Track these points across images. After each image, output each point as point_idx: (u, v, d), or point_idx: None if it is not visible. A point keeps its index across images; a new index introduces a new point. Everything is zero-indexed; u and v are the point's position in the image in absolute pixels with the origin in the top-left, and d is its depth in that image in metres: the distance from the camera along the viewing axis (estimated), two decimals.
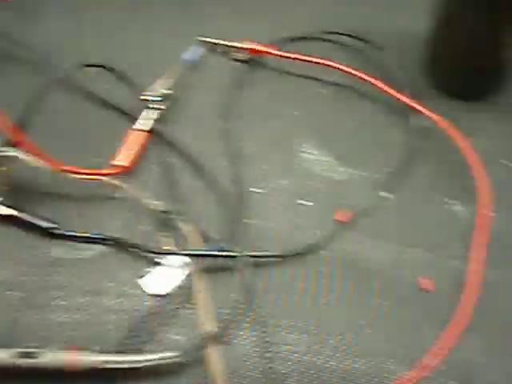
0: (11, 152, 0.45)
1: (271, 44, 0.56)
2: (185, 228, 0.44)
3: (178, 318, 0.41)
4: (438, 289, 0.42)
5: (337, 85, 0.54)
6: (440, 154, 0.50)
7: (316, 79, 0.54)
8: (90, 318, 0.41)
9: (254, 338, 0.39)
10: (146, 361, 0.38)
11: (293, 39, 0.57)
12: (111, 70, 0.54)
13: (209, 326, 0.40)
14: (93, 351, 0.37)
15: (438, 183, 0.48)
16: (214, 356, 0.38)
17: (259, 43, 0.55)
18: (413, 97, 0.51)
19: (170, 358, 0.38)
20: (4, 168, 0.45)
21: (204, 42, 0.56)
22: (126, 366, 0.37)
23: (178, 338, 0.40)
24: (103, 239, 0.44)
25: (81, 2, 0.61)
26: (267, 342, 0.39)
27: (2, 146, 0.46)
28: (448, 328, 0.39)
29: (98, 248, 0.44)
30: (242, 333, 0.40)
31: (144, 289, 0.42)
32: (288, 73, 0.55)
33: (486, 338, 0.40)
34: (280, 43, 0.56)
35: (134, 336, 0.39)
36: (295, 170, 0.49)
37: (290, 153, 0.50)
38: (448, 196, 0.47)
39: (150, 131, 0.49)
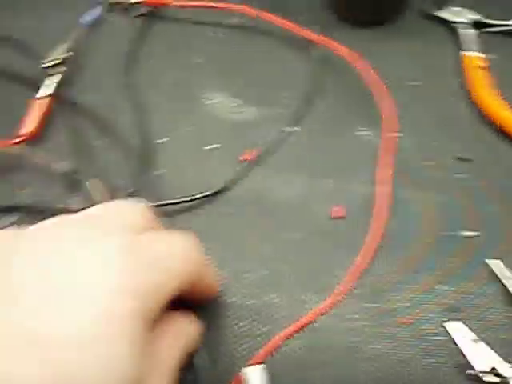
0: None
1: None
2: (93, 186, 0.45)
3: None
4: (349, 216, 0.43)
5: (238, 27, 0.54)
6: (345, 84, 0.50)
7: (215, 24, 0.54)
8: None
9: None
10: None
11: None
12: (7, 39, 0.54)
13: None
14: None
15: (345, 113, 0.49)
16: None
17: None
18: (315, 29, 0.51)
19: None
20: None
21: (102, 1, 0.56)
22: None
23: None
24: (16, 208, 0.45)
25: None
26: None
27: None
28: (360, 252, 0.41)
29: (14, 217, 0.45)
30: None
31: None
32: (187, 21, 0.55)
33: (396, 257, 0.41)
34: None
35: None
36: (199, 116, 0.49)
37: (193, 100, 0.50)
38: (356, 124, 0.48)
39: (53, 96, 0.49)
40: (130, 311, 0.26)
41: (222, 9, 0.52)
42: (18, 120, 0.48)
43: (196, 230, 0.40)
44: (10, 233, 0.30)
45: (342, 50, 0.48)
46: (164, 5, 0.54)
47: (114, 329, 0.25)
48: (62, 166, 0.45)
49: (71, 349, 0.24)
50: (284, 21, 0.51)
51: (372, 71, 0.47)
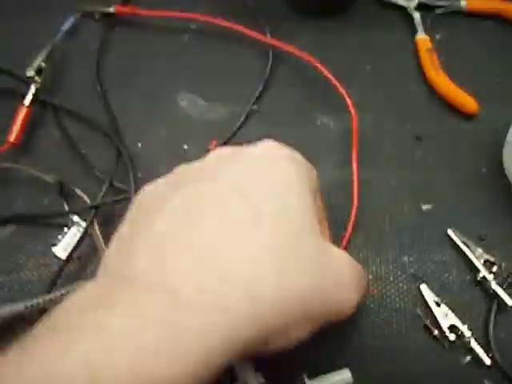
0: None
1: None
2: (77, 189, 0.49)
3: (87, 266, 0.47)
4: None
5: (199, 31, 0.57)
6: (302, 77, 0.54)
7: (179, 30, 0.57)
8: (12, 294, 0.46)
9: None
10: (56, 296, 0.43)
11: None
12: None
13: None
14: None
15: (305, 103, 0.53)
16: None
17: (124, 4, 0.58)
18: (272, 25, 0.55)
19: (76, 288, 0.43)
20: None
21: (80, 10, 0.59)
22: (43, 305, 0.43)
23: None
24: (10, 219, 0.49)
25: None
26: None
27: None
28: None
29: (10, 228, 0.49)
30: None
31: (57, 255, 0.47)
32: (154, 28, 0.58)
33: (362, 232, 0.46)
34: None
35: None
36: (171, 119, 0.53)
37: (163, 104, 0.54)
38: (316, 112, 0.52)
39: (32, 104, 0.52)
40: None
41: (183, 17, 0.56)
42: (3, 129, 0.52)
43: None
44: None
45: (290, 48, 0.52)
46: (133, 14, 0.57)
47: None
48: (49, 176, 0.49)
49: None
50: (238, 26, 0.54)
51: (324, 63, 0.51)
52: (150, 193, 0.34)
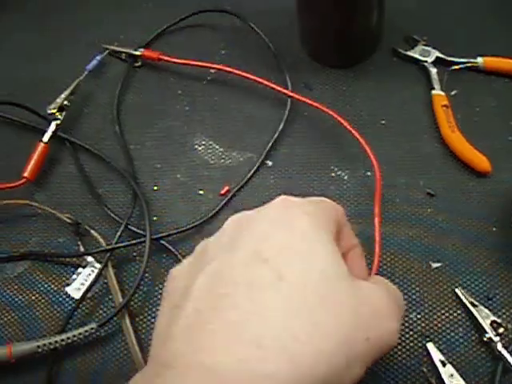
0: None
1: (155, 37, 0.62)
2: (93, 231, 0.50)
3: (100, 307, 0.48)
4: None
5: (219, 73, 0.58)
6: (317, 128, 0.55)
7: (200, 78, 0.59)
8: (25, 331, 0.47)
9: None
10: (69, 338, 0.44)
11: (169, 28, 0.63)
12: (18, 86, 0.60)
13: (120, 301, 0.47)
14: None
15: (319, 154, 0.54)
16: (127, 325, 0.46)
17: (150, 46, 0.61)
18: (291, 73, 0.56)
19: (88, 330, 0.45)
20: None
21: (104, 48, 0.61)
22: (55, 345, 0.44)
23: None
24: (26, 255, 0.50)
25: None
26: None
27: None
28: None
29: (25, 264, 0.50)
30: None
31: (71, 294, 0.48)
32: (175, 73, 0.59)
33: None
34: (160, 34, 0.62)
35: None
36: (187, 163, 0.54)
37: (180, 147, 0.55)
38: (330, 164, 0.53)
39: (47, 142, 0.54)
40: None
41: (205, 66, 0.57)
42: (21, 164, 0.53)
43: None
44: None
45: (308, 100, 0.53)
46: (158, 59, 0.59)
47: None
48: (66, 216, 0.51)
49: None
50: (257, 78, 0.55)
51: (346, 113, 0.52)
52: (176, 277, 0.36)
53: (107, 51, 0.60)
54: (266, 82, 0.55)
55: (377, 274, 0.46)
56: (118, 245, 0.49)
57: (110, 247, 0.48)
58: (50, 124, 0.55)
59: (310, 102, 0.53)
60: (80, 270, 0.49)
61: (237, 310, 0.30)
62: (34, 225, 0.52)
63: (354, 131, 0.51)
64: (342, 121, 0.51)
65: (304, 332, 0.29)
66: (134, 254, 0.50)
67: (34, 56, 0.63)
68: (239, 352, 0.29)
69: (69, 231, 0.51)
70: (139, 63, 0.60)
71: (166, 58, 0.59)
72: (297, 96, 0.54)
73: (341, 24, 0.53)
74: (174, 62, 0.58)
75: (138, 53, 0.59)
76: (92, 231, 0.50)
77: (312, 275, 0.31)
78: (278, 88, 0.55)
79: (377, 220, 0.48)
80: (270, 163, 0.53)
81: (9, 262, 0.51)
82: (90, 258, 0.49)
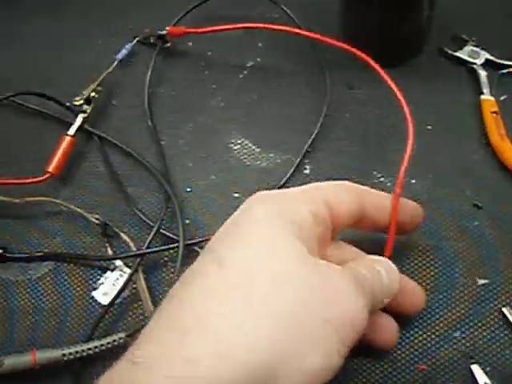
0: None
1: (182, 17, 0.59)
2: (122, 234, 0.48)
3: (129, 314, 0.46)
4: None
5: (256, 67, 0.56)
6: (360, 126, 0.53)
7: (236, 64, 0.57)
8: (49, 336, 0.45)
9: None
10: (96, 347, 0.43)
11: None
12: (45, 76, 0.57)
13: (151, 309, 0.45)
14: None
15: (361, 156, 0.51)
16: None
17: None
18: (331, 69, 0.54)
19: (116, 340, 0.43)
20: None
21: (134, 36, 0.58)
22: (81, 354, 0.42)
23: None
24: (50, 256, 0.48)
25: None
26: None
27: None
28: None
29: (49, 265, 0.48)
30: None
31: (98, 299, 0.46)
32: (210, 62, 0.57)
33: None
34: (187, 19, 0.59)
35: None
36: (222, 164, 0.52)
37: (215, 146, 0.53)
38: (372, 168, 0.50)
39: (74, 136, 0.52)
40: None
41: (252, 28, 0.54)
42: (45, 158, 0.51)
43: None
44: None
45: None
46: (184, 33, 0.56)
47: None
48: (95, 215, 0.49)
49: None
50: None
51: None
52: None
53: (137, 39, 0.57)
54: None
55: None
56: (149, 250, 0.46)
57: (141, 252, 0.46)
58: (76, 116, 0.52)
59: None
60: (108, 273, 0.47)
61: (177, 300, 0.32)
62: (58, 224, 0.50)
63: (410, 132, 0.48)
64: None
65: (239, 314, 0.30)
66: (165, 258, 0.47)
67: (59, 44, 0.60)
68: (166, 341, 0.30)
69: (95, 232, 0.49)
70: (169, 44, 0.58)
71: (191, 30, 0.56)
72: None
73: (388, 21, 0.51)
74: (202, 32, 0.55)
75: (164, 32, 0.57)
76: (122, 234, 0.48)
77: (256, 260, 0.32)
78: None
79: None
80: (308, 167, 0.51)
81: (31, 263, 0.48)
82: (118, 262, 0.47)
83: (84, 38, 0.60)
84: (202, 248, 0.47)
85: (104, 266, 0.48)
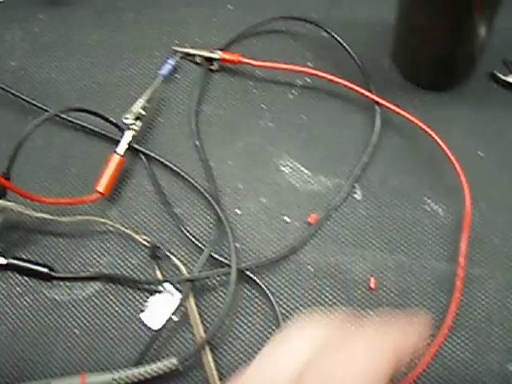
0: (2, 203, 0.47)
1: (234, 42, 0.57)
2: (173, 257, 0.47)
3: (178, 338, 0.46)
4: (422, 293, 0.46)
5: (307, 87, 0.55)
6: (411, 151, 0.52)
7: (285, 84, 0.55)
8: (96, 358, 0.45)
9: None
10: (147, 372, 0.42)
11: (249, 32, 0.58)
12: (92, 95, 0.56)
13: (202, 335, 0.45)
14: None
15: (412, 182, 0.51)
16: (209, 360, 0.44)
17: (228, 49, 0.56)
18: (381, 91, 0.53)
19: (168, 366, 0.43)
20: None
21: (177, 51, 0.57)
22: (132, 379, 0.42)
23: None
24: (98, 277, 0.48)
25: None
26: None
27: None
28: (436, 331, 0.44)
29: (95, 286, 0.48)
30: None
31: (146, 323, 0.46)
32: (258, 79, 0.56)
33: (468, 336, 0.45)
34: (239, 38, 0.58)
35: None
36: (272, 186, 0.51)
37: (264, 168, 0.52)
38: (423, 195, 0.50)
39: (125, 153, 0.51)
40: None
41: (292, 70, 0.54)
42: (96, 175, 0.50)
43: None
44: None
45: (412, 116, 0.50)
46: (238, 63, 0.55)
47: None
48: (143, 237, 0.48)
49: None
50: (350, 83, 0.52)
51: (441, 140, 0.49)
52: None
53: (181, 54, 0.56)
54: (359, 88, 0.52)
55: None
56: (202, 275, 0.46)
57: (194, 278, 0.46)
58: (123, 133, 0.51)
59: (400, 111, 0.50)
60: (156, 296, 0.47)
61: None
62: (105, 243, 0.49)
63: (453, 160, 0.48)
64: (444, 147, 0.48)
65: None
66: (215, 282, 0.47)
67: (103, 58, 0.59)
68: None
69: (144, 253, 0.48)
70: (215, 66, 0.56)
71: (246, 60, 0.54)
72: (388, 105, 0.51)
73: (444, 43, 0.50)
74: (258, 66, 0.54)
75: (215, 55, 0.55)
76: (172, 257, 0.47)
77: None
78: (368, 95, 0.52)
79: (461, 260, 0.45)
80: (359, 192, 0.50)
81: (77, 282, 0.48)
82: (168, 285, 0.47)
83: (128, 52, 0.59)
84: (253, 273, 0.47)
85: (152, 289, 0.47)
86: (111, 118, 0.53)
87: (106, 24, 0.61)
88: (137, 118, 0.51)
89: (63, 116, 0.53)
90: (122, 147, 0.51)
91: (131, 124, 0.51)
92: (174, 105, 0.55)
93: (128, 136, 0.51)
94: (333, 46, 0.56)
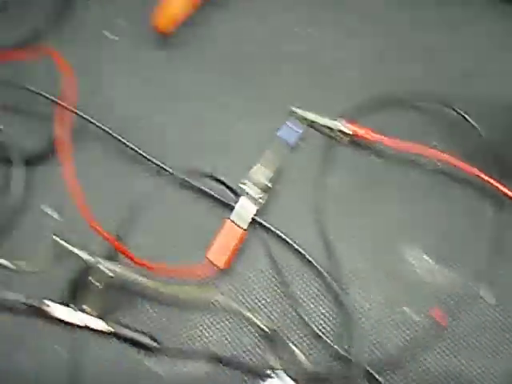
0: (111, 266, 0.45)
1: (356, 110, 0.54)
2: (291, 346, 0.45)
3: None
4: None
5: (442, 172, 0.51)
6: None
7: (414, 164, 0.52)
8: None
9: None
10: None
11: (375, 106, 0.54)
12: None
13: None
14: None
15: None
16: None
17: (352, 120, 0.52)
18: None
19: None
20: (102, 282, 0.45)
21: (296, 113, 0.54)
22: None
23: None
24: (206, 355, 0.45)
25: None
26: None
27: (101, 258, 0.45)
28: None
29: (202, 364, 0.45)
30: None
31: None
32: (385, 157, 0.53)
33: None
34: (363, 111, 0.54)
35: None
36: (395, 275, 0.48)
37: (389, 254, 0.49)
38: None
39: (246, 229, 0.48)
40: None
41: (423, 155, 0.50)
42: (209, 240, 0.48)
43: None
44: None
45: None
46: (369, 140, 0.51)
47: None
48: (259, 319, 0.45)
49: None
50: (483, 173, 0.49)
51: None
52: None
53: (300, 117, 0.53)
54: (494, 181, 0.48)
55: None
56: (323, 370, 0.43)
57: (314, 373, 0.43)
58: (237, 198, 0.48)
59: None
60: (268, 381, 0.44)
61: None
62: (216, 319, 0.46)
63: None
64: None
65: None
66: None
67: (219, 118, 0.55)
68: None
69: (255, 333, 0.45)
70: (342, 138, 0.52)
71: (378, 137, 0.51)
72: None
73: None
74: (391, 145, 0.51)
75: (346, 130, 0.51)
76: (291, 345, 0.44)
77: None
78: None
79: None
80: (490, 293, 0.47)
81: (182, 358, 0.45)
82: (281, 372, 0.44)
83: (243, 112, 0.55)
84: (381, 375, 0.44)
85: (263, 373, 0.44)
86: (229, 183, 0.49)
87: (215, 76, 0.57)
88: (262, 189, 0.49)
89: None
90: (245, 221, 0.48)
91: (259, 198, 0.48)
92: (292, 172, 0.52)
93: (253, 209, 0.48)
94: (462, 127, 0.53)
